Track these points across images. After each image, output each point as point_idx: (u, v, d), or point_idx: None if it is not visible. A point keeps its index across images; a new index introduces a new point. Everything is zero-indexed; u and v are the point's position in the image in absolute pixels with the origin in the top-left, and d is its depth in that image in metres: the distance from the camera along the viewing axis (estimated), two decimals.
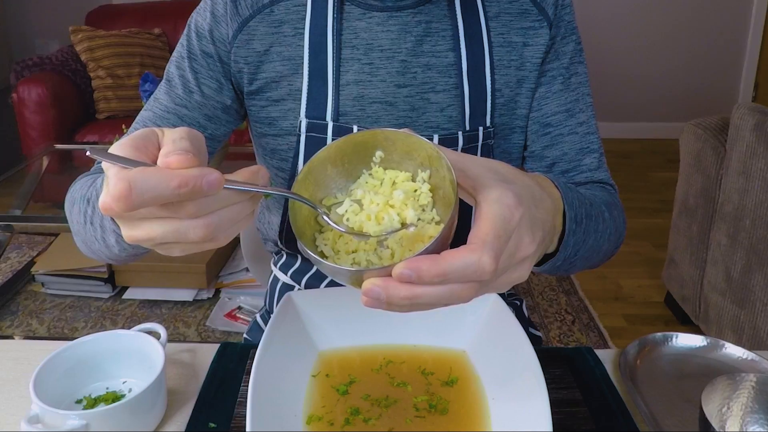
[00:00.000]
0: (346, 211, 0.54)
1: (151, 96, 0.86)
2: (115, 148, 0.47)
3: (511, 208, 0.48)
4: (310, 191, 0.55)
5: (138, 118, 0.86)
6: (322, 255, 0.53)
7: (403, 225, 0.52)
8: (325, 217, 0.53)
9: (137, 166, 0.45)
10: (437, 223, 0.53)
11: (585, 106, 0.88)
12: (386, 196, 0.54)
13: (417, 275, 0.44)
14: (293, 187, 0.54)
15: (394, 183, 0.55)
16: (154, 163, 0.47)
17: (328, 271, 0.50)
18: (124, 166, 0.45)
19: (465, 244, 0.46)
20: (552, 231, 0.59)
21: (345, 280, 0.49)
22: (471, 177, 0.51)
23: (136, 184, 0.43)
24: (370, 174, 0.56)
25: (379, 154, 0.56)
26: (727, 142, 1.91)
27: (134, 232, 0.48)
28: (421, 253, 0.46)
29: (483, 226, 0.47)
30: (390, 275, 0.46)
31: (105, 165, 0.46)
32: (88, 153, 0.47)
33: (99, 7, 3.70)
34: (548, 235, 0.55)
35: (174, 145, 0.46)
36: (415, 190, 0.54)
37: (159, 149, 0.48)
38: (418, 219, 0.53)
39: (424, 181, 0.54)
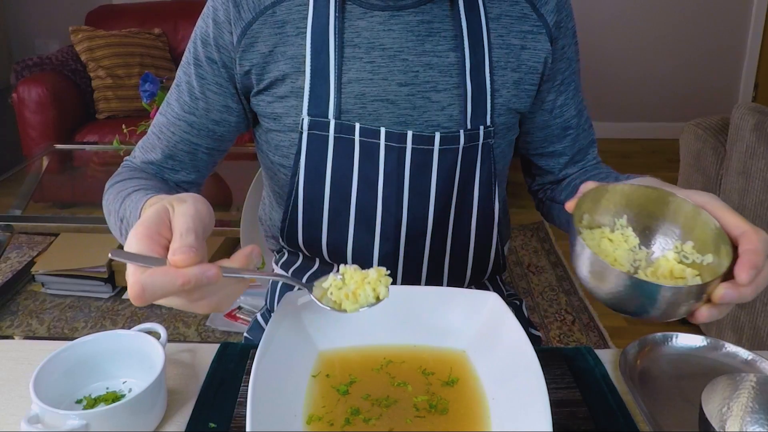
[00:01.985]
0: (330, 285, 0.63)
1: (165, 99, 0.91)
2: (132, 240, 0.55)
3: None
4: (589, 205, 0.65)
5: (154, 122, 0.91)
6: None
7: (378, 300, 0.62)
8: (309, 295, 0.63)
9: (151, 262, 0.53)
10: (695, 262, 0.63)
11: (584, 102, 0.94)
12: (364, 274, 0.62)
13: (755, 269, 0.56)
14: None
15: (611, 240, 0.65)
16: (166, 249, 0.54)
17: (660, 292, 0.56)
18: (141, 265, 0.53)
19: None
20: None
21: (676, 299, 0.57)
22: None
23: (147, 287, 0.52)
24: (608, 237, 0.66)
25: (620, 222, 0.66)
26: (727, 142, 1.91)
27: (156, 301, 0.56)
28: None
29: (750, 235, 0.58)
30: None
31: (127, 264, 0.54)
32: (110, 256, 0.57)
33: (99, 7, 3.70)
34: None
35: (181, 240, 0.54)
36: (623, 234, 0.65)
37: (170, 229, 0.56)
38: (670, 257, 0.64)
39: (623, 226, 0.65)
